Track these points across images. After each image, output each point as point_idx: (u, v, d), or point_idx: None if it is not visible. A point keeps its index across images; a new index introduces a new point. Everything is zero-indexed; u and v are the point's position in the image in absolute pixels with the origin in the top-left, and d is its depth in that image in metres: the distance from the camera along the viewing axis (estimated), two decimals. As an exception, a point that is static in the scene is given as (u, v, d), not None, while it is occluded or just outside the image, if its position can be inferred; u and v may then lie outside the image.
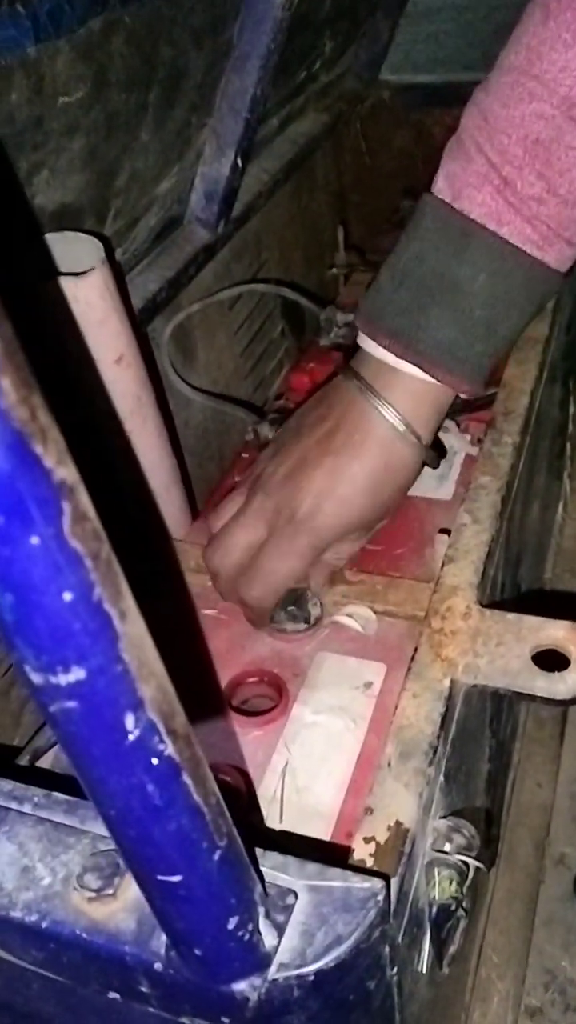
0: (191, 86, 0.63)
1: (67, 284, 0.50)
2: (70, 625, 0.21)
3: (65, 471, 0.20)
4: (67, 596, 0.21)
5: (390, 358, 0.54)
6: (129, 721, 0.23)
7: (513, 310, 0.53)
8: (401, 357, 0.53)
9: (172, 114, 0.62)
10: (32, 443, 0.19)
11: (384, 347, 0.54)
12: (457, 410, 0.76)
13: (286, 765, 0.52)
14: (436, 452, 0.58)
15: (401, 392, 0.55)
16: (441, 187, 0.52)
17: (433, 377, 0.54)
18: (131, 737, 0.23)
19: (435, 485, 0.71)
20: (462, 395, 0.56)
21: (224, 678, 0.58)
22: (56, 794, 0.37)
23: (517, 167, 0.49)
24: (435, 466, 0.59)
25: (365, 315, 0.55)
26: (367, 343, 0.56)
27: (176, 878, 0.27)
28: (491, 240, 0.50)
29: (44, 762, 0.53)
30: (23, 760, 0.53)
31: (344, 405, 0.56)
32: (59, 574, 0.20)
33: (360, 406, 0.55)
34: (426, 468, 0.59)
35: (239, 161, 0.72)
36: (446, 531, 0.64)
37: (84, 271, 0.50)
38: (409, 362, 0.53)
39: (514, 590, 0.73)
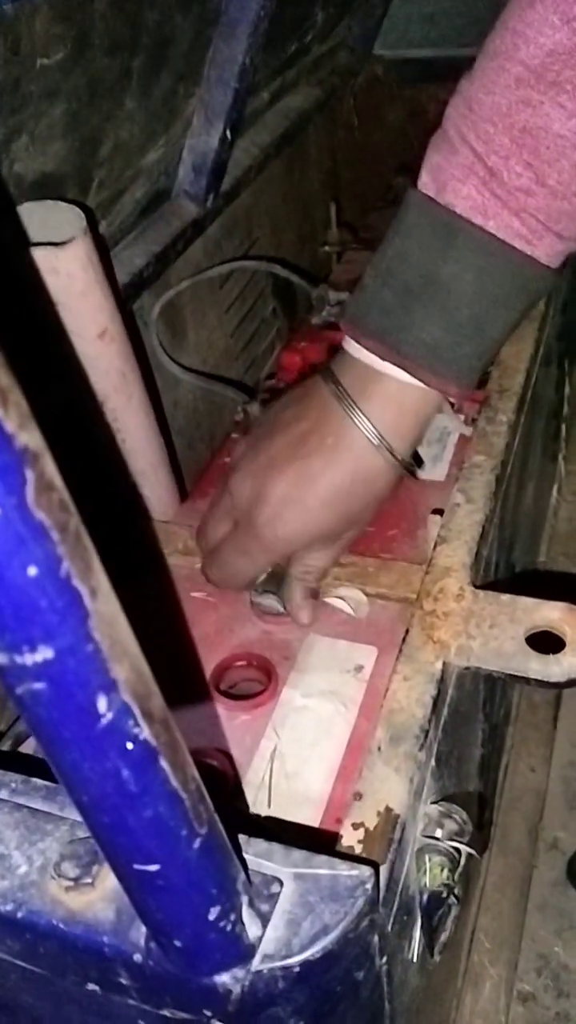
0: (177, 53, 0.61)
1: (47, 254, 0.48)
2: (36, 602, 0.20)
3: (28, 436, 0.19)
4: (32, 571, 0.20)
5: (375, 361, 0.51)
6: (102, 703, 0.22)
7: (502, 308, 0.50)
8: (385, 359, 0.51)
9: (158, 82, 0.61)
10: (-11, 404, 0.17)
11: (368, 349, 0.51)
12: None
13: (275, 750, 0.51)
14: (413, 462, 0.55)
15: (380, 400, 0.52)
16: (425, 181, 0.50)
17: (419, 380, 0.51)
18: (104, 720, 0.22)
19: (428, 466, 0.70)
20: (451, 399, 0.53)
21: (212, 662, 0.57)
22: (35, 780, 0.36)
23: (503, 157, 0.46)
24: (413, 476, 0.57)
25: (349, 316, 0.53)
26: (350, 344, 0.53)
27: (154, 867, 0.26)
28: (477, 235, 0.48)
29: (27, 747, 0.52)
30: (4, 745, 0.52)
31: (319, 409, 0.54)
32: (23, 547, 0.19)
33: (335, 413, 0.53)
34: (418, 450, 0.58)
35: (228, 133, 0.70)
36: (439, 511, 0.62)
37: (65, 240, 0.48)
38: (393, 364, 0.51)
39: (508, 571, 0.72)
